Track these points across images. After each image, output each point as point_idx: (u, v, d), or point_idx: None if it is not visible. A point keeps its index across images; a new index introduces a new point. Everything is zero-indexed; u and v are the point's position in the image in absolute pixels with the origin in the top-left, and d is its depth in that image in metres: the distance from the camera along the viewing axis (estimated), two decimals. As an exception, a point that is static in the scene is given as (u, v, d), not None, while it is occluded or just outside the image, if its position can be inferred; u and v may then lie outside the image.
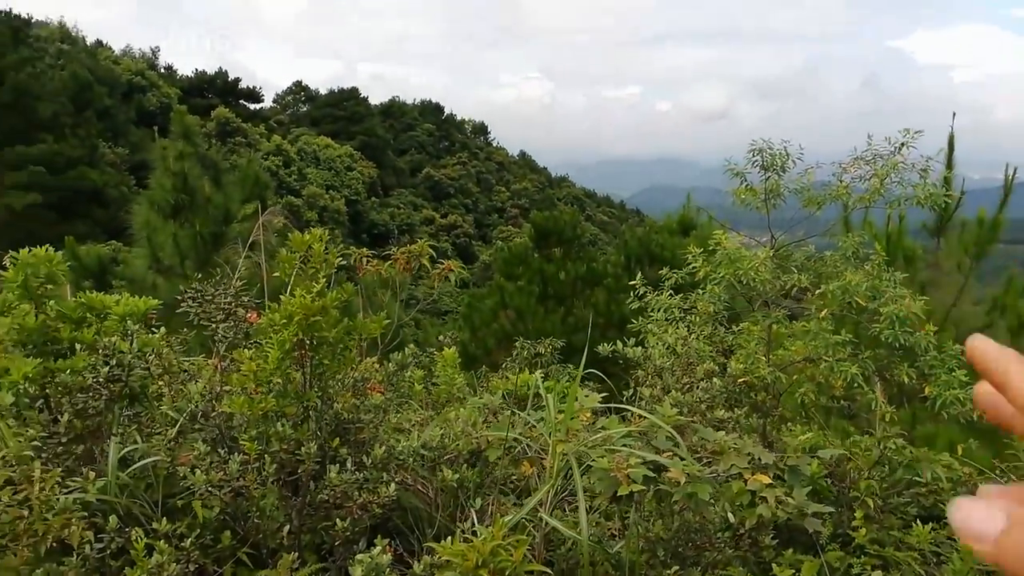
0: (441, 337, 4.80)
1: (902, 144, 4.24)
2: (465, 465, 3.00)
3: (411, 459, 2.83)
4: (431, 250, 4.48)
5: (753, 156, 4.36)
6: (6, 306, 3.11)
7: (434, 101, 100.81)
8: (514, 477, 3.23)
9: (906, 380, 4.15)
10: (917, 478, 3.46)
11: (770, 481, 2.44)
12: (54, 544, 2.14)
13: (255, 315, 3.09)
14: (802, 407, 4.66)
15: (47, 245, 3.24)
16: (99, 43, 66.08)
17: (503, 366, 5.39)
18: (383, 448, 2.78)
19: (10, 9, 41.81)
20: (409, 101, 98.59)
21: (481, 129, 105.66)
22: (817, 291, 4.18)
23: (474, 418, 3.14)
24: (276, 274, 3.12)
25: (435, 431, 2.98)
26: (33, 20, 50.76)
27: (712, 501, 2.42)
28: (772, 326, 4.43)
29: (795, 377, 4.41)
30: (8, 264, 3.04)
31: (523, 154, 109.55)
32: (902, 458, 3.54)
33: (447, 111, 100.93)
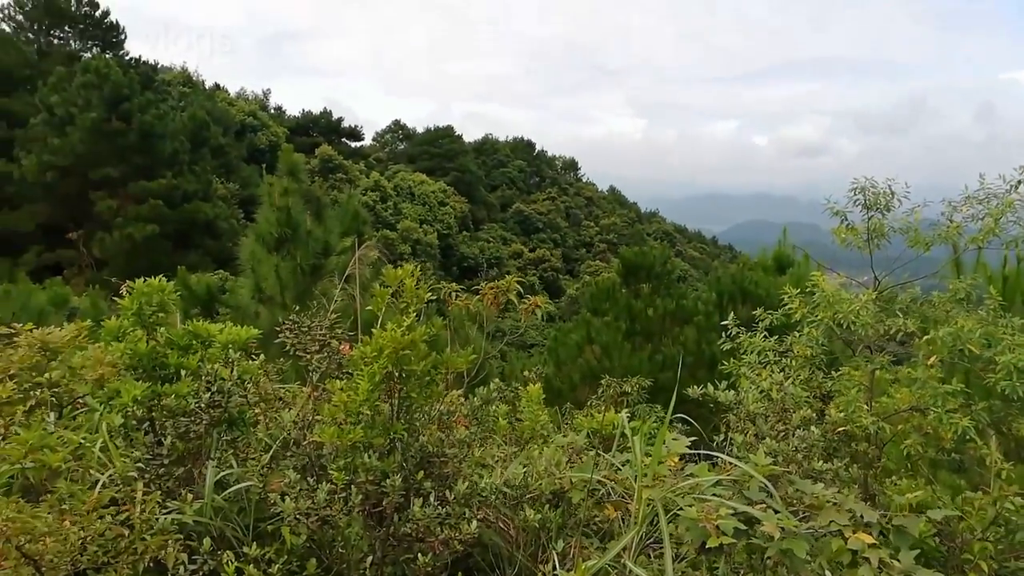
0: (526, 372, 4.79)
1: (1019, 182, 3.98)
2: (548, 505, 2.96)
3: (493, 496, 2.81)
4: (518, 285, 4.50)
5: (855, 195, 4.18)
6: (121, 331, 3.32)
7: (525, 138, 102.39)
8: (598, 519, 3.16)
9: (1026, 435, 3.84)
10: (1040, 542, 3.17)
11: (873, 541, 2.28)
12: (150, 564, 2.23)
13: (348, 347, 3.17)
14: (907, 459, 4.36)
15: (161, 275, 3.45)
16: (216, 86, 70.86)
17: (588, 403, 5.32)
18: (466, 484, 2.78)
19: (140, 56, 45.69)
20: (501, 138, 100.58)
21: (571, 165, 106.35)
22: (924, 337, 3.93)
23: (557, 457, 3.09)
24: (369, 307, 3.20)
25: (518, 469, 2.95)
26: (159, 66, 55.02)
27: (809, 559, 2.28)
28: (875, 372, 4.19)
29: (900, 427, 4.14)
30: (124, 293, 3.26)
31: (612, 189, 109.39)
32: (1021, 519, 3.26)
33: (538, 148, 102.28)
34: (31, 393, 2.90)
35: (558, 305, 57.45)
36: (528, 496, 2.91)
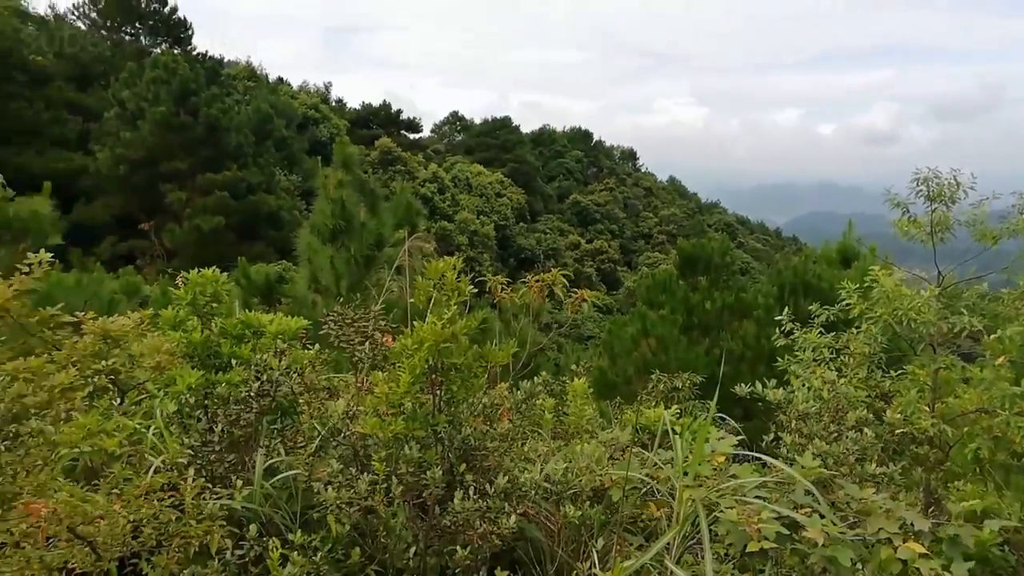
0: (574, 366, 4.76)
1: (1100, 172, 3.74)
2: (589, 502, 2.93)
3: (533, 491, 2.80)
4: (563, 279, 4.47)
5: (917, 186, 3.99)
6: (177, 321, 3.43)
7: (583, 128, 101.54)
8: (643, 517, 3.12)
9: (1103, 441, 3.62)
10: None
11: (924, 550, 2.18)
12: (199, 548, 2.30)
13: (390, 339, 3.21)
14: (976, 463, 4.16)
15: (215, 267, 3.55)
16: (280, 80, 72.44)
17: (638, 398, 5.25)
18: (506, 478, 2.77)
19: (206, 51, 47.03)
20: (559, 128, 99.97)
21: (629, 155, 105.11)
22: (993, 336, 3.73)
23: (598, 454, 3.06)
24: (411, 300, 3.22)
25: (559, 465, 2.93)
26: (225, 60, 56.49)
27: (858, 567, 2.20)
28: (938, 371, 4.01)
29: (966, 429, 3.96)
30: (180, 283, 3.36)
31: (672, 179, 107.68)
32: (1096, 529, 3.08)
33: (596, 138, 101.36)
34: (90, 380, 3.02)
35: (615, 297, 56.94)
36: (569, 492, 2.89)
